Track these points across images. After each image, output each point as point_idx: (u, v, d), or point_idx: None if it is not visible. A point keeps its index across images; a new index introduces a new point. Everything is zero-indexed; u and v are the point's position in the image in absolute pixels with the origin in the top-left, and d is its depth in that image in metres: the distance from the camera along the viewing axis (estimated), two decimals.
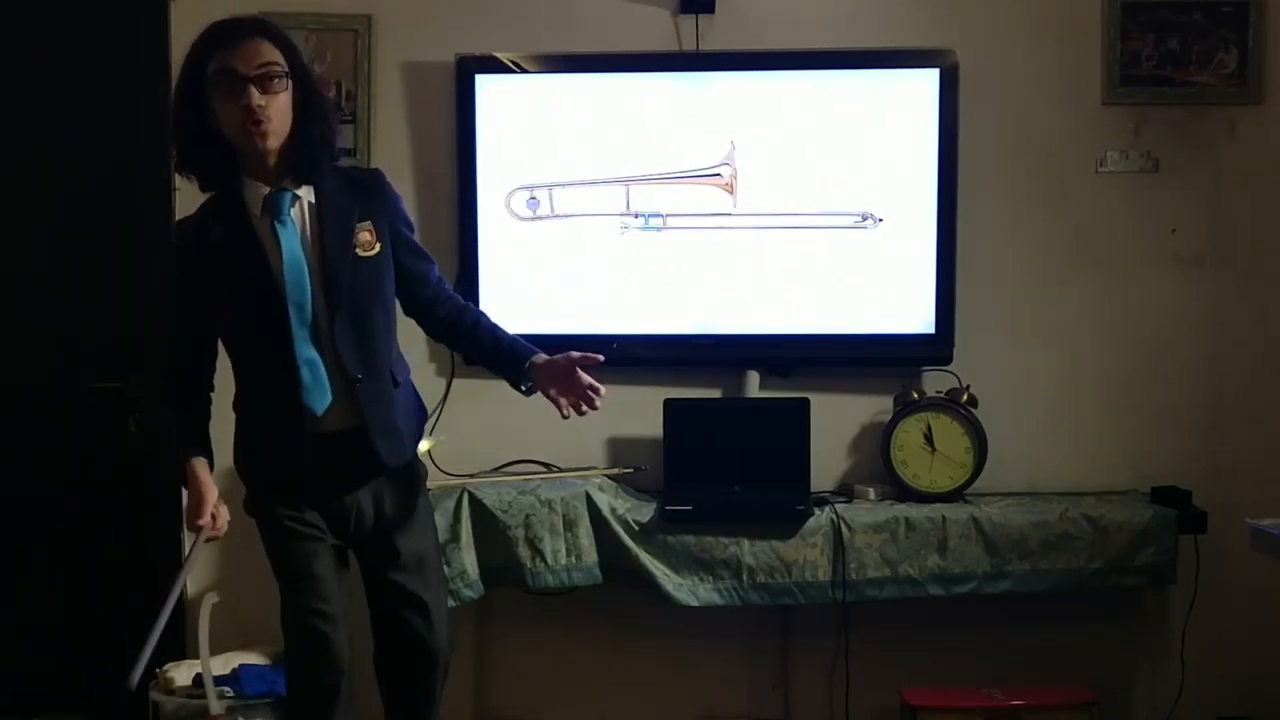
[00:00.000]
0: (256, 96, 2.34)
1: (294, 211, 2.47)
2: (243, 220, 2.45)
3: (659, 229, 3.42)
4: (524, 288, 3.43)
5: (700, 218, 3.41)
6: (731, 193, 3.40)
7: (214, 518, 2.46)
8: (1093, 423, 3.52)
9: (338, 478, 2.55)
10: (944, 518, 3.23)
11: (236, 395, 2.59)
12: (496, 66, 3.40)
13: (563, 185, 3.42)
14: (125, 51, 3.50)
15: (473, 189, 3.42)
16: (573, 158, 3.40)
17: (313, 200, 2.49)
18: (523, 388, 2.61)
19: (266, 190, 2.44)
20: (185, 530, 3.48)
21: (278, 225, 2.44)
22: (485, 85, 3.40)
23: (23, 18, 3.49)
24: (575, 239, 3.42)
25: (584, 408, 2.56)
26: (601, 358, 2.55)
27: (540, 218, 3.41)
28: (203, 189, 2.51)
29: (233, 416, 2.61)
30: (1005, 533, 3.22)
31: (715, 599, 3.22)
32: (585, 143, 3.41)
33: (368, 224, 2.52)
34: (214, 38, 2.38)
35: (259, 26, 2.41)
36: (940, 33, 3.41)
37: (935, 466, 3.35)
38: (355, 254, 2.49)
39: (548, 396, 2.57)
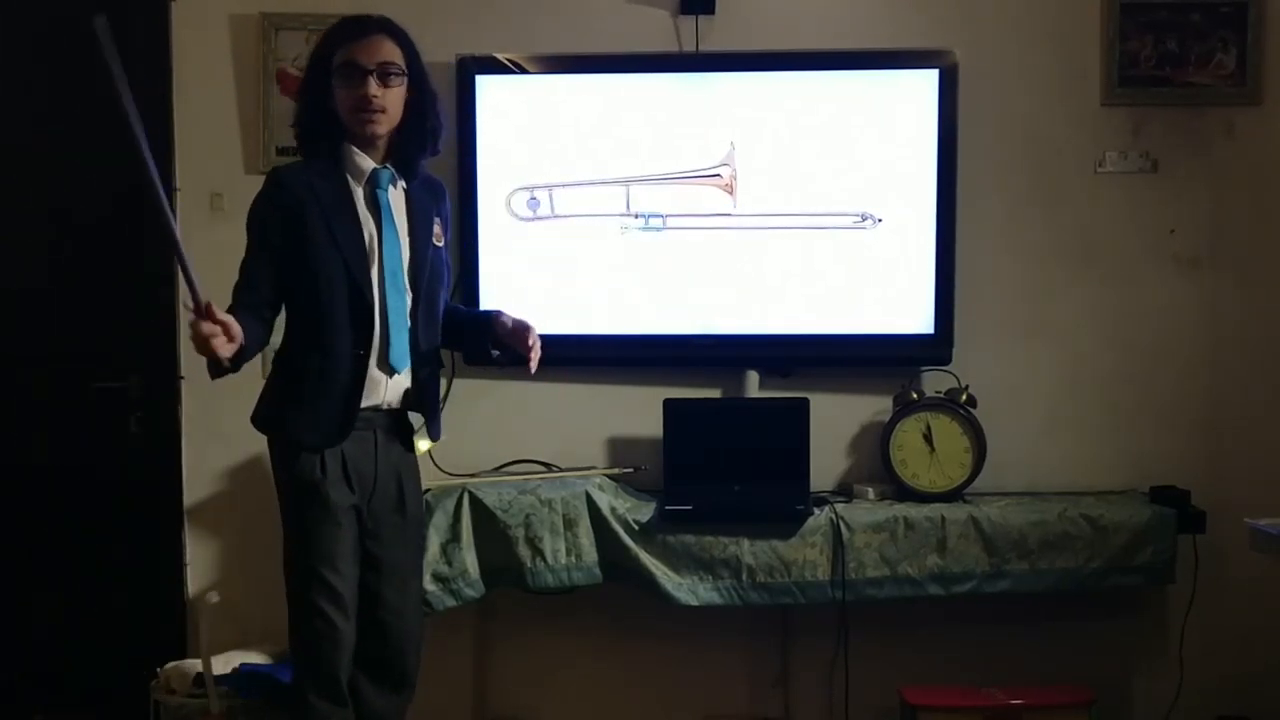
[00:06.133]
0: (374, 87, 2.53)
1: (391, 190, 2.61)
2: (344, 183, 2.58)
3: (659, 229, 3.42)
4: (524, 288, 3.43)
5: (700, 218, 3.42)
6: (731, 193, 3.40)
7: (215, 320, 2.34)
8: (1092, 423, 3.52)
9: (377, 451, 2.62)
10: (943, 517, 3.23)
11: (285, 349, 2.62)
12: (497, 67, 3.40)
13: (563, 185, 3.42)
14: (125, 51, 3.49)
15: (473, 189, 3.42)
16: (573, 158, 3.40)
17: (405, 189, 2.65)
18: (494, 353, 2.75)
19: (372, 165, 2.59)
20: (186, 527, 3.51)
21: (379, 192, 2.59)
22: (486, 85, 3.41)
23: (22, 19, 3.49)
24: (575, 239, 3.42)
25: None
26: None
27: (540, 218, 3.41)
28: (304, 155, 2.64)
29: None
30: (1004, 532, 3.22)
31: (715, 599, 3.22)
32: (585, 143, 3.41)
33: (438, 220, 2.71)
34: (343, 31, 2.59)
35: (384, 26, 2.60)
36: (940, 33, 3.41)
37: (934, 466, 3.35)
38: (433, 243, 2.68)
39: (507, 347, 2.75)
